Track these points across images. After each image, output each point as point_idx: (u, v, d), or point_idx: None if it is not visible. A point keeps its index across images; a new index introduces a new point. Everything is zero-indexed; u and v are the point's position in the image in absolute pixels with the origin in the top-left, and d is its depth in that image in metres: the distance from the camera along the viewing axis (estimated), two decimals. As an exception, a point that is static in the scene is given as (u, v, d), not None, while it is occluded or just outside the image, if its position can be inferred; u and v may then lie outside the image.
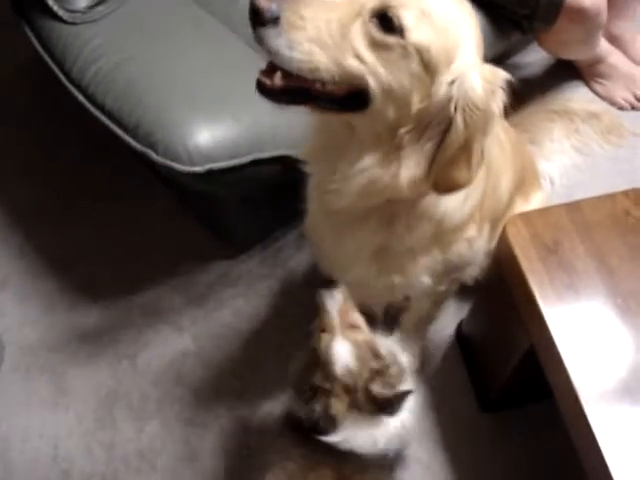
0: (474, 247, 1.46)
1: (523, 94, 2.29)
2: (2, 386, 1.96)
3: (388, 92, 1.08)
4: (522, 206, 1.72)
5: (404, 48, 1.04)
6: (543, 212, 1.54)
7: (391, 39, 1.04)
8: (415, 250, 1.37)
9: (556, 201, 1.74)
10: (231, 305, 2.06)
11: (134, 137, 1.60)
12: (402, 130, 1.12)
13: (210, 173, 1.57)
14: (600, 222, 1.49)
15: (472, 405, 1.89)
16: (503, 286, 1.54)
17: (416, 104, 1.09)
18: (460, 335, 1.97)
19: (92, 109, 1.65)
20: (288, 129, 1.66)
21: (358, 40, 1.05)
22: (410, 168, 1.14)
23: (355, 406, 1.32)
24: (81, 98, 1.67)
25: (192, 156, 1.55)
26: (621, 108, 2.41)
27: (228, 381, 1.94)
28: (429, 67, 1.06)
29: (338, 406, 1.30)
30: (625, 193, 1.54)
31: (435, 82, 1.08)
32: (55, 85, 1.75)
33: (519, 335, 1.54)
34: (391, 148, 1.14)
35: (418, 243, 1.35)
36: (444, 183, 1.16)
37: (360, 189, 1.18)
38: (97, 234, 2.19)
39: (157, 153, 1.56)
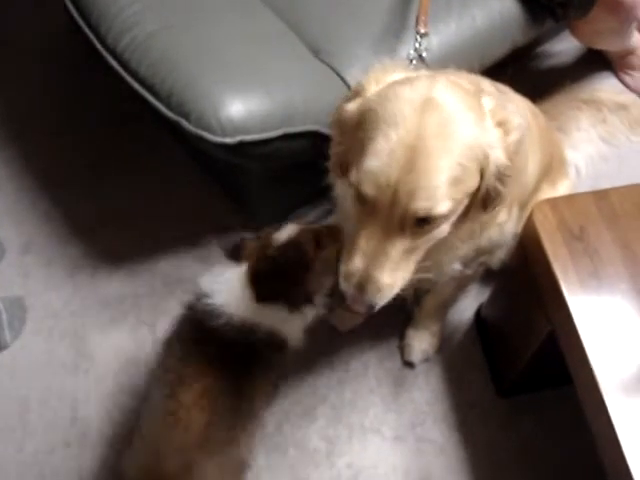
0: (504, 231, 1.47)
1: (552, 82, 2.29)
2: (23, 348, 1.98)
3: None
4: (549, 193, 1.72)
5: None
6: (570, 199, 1.54)
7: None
8: (454, 245, 1.39)
9: (582, 190, 1.74)
10: (252, 277, 2.07)
11: (167, 106, 1.60)
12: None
13: (241, 145, 1.58)
14: (627, 211, 1.49)
15: (488, 389, 1.90)
16: (526, 271, 1.55)
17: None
18: (479, 319, 1.98)
19: (126, 76, 1.66)
20: (318, 105, 1.67)
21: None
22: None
23: None
24: (115, 65, 1.68)
25: (224, 127, 1.56)
26: (650, 100, 2.40)
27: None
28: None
29: None
30: (653, 184, 1.54)
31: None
32: (87, 53, 1.76)
33: (540, 321, 1.55)
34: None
35: (458, 238, 1.37)
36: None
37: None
38: (122, 202, 2.20)
39: (189, 122, 1.57)
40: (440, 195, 1.11)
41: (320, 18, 1.84)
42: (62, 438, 1.86)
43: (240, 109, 1.58)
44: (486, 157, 1.14)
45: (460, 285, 1.76)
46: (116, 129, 2.33)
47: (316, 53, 1.78)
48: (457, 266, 1.49)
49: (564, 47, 2.49)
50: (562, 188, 1.81)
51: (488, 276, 1.89)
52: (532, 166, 1.56)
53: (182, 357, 1.52)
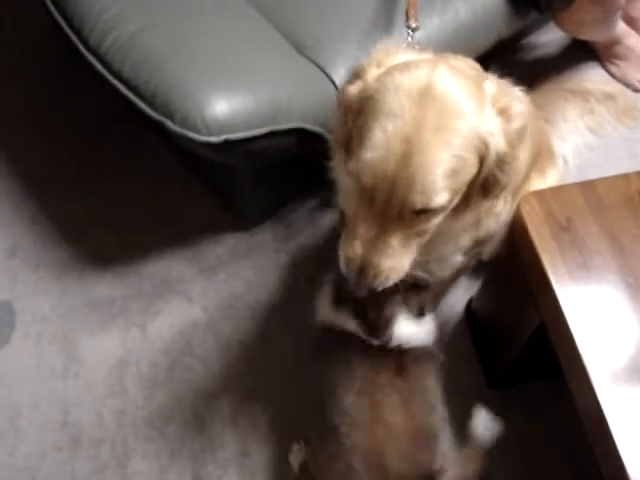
0: (500, 220, 1.47)
1: (538, 73, 2.29)
2: (13, 353, 1.98)
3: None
4: (538, 182, 1.71)
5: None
6: (557, 190, 1.54)
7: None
8: (458, 233, 1.40)
9: (569, 180, 1.74)
10: (241, 277, 2.07)
11: (151, 106, 1.59)
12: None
13: (226, 143, 1.57)
14: (614, 202, 1.49)
15: (479, 381, 1.91)
16: (515, 263, 1.55)
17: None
18: (470, 311, 1.98)
19: (109, 77, 1.64)
20: (303, 102, 1.66)
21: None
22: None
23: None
24: (99, 66, 1.66)
25: (209, 126, 1.55)
26: (636, 90, 2.40)
27: (237, 352, 1.95)
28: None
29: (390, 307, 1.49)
30: (639, 174, 1.54)
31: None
32: (69, 54, 1.75)
33: (529, 312, 1.55)
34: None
35: (462, 227, 1.37)
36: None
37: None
38: (108, 204, 2.19)
39: (174, 122, 1.56)
40: (437, 188, 1.11)
41: (304, 15, 1.83)
42: (53, 442, 1.85)
43: (224, 108, 1.57)
44: (486, 145, 1.13)
45: (453, 277, 1.76)
46: (100, 130, 2.32)
47: (300, 50, 1.77)
48: (459, 257, 1.50)
49: (549, 38, 2.48)
50: (551, 178, 1.81)
51: (478, 269, 1.89)
52: (524, 154, 1.56)
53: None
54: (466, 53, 1.44)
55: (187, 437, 1.85)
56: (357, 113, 1.18)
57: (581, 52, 2.46)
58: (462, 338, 1.97)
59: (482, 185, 1.21)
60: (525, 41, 2.48)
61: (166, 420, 1.87)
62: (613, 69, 2.42)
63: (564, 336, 1.37)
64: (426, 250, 1.35)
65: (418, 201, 1.11)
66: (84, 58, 1.70)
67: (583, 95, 2.25)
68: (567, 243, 1.44)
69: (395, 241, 1.17)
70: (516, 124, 1.16)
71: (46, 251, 2.12)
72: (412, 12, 1.53)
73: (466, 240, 1.44)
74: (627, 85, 2.40)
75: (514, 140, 1.16)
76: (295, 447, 1.78)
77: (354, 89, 1.20)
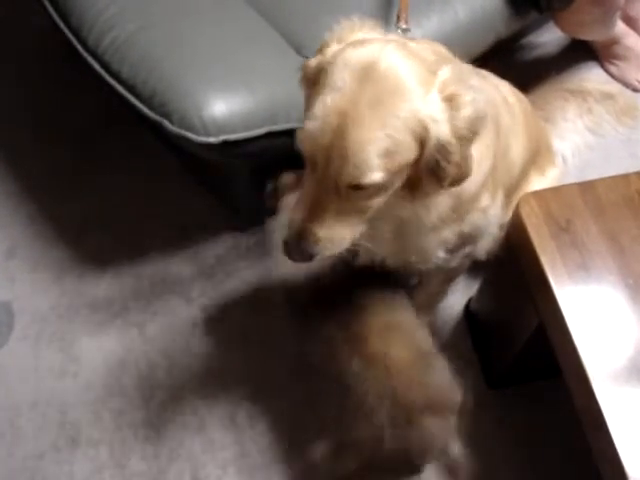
0: (488, 216, 1.46)
1: (538, 73, 2.29)
2: (12, 353, 1.97)
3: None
4: (538, 180, 1.71)
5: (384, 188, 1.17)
6: (556, 191, 1.54)
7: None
8: (435, 226, 1.38)
9: (568, 180, 1.74)
10: (240, 276, 2.07)
11: (149, 106, 1.59)
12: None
13: (225, 144, 1.57)
14: (613, 202, 1.49)
15: (479, 381, 1.90)
16: (514, 264, 1.54)
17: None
18: (468, 312, 1.98)
19: (108, 78, 1.65)
20: (302, 102, 1.66)
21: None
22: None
23: None
24: (97, 67, 1.67)
25: (207, 127, 1.55)
26: (635, 90, 2.39)
27: (236, 352, 1.94)
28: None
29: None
30: (639, 174, 1.54)
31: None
32: (67, 54, 1.75)
33: (528, 313, 1.54)
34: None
35: (439, 218, 1.35)
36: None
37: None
38: (106, 204, 2.19)
39: (172, 123, 1.56)
40: (369, 166, 1.10)
41: (302, 15, 1.83)
42: (52, 442, 1.85)
43: (223, 108, 1.57)
44: (426, 130, 1.12)
45: (447, 278, 1.76)
46: (99, 130, 2.32)
47: (299, 50, 1.77)
48: (441, 253, 1.47)
49: (549, 38, 2.48)
50: (551, 176, 1.81)
51: (476, 269, 1.89)
52: (516, 150, 1.55)
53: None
54: (464, 53, 1.45)
55: (186, 437, 1.85)
56: (313, 85, 1.19)
57: (580, 52, 2.45)
58: (461, 339, 1.97)
59: (431, 172, 1.19)
60: (524, 41, 2.48)
61: (165, 420, 1.86)
62: (612, 69, 2.42)
63: (563, 337, 1.37)
64: (400, 238, 1.38)
65: (350, 175, 1.12)
66: (82, 58, 1.70)
67: (582, 95, 2.25)
68: (566, 244, 1.44)
69: (331, 213, 1.18)
70: (465, 112, 1.12)
71: (44, 251, 2.12)
72: (403, 15, 1.54)
73: (448, 234, 1.42)
74: (626, 85, 2.40)
75: (462, 129, 1.13)
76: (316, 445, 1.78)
77: (313, 62, 1.22)
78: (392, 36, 1.25)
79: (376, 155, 1.10)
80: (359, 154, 1.09)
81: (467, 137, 1.14)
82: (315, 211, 1.18)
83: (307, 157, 1.16)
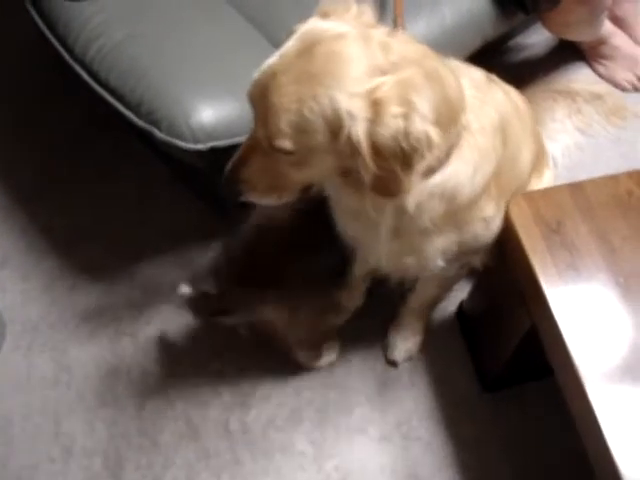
0: (491, 227, 1.46)
1: (526, 75, 2.29)
2: (3, 364, 1.96)
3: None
4: (536, 183, 1.69)
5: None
6: (546, 192, 1.54)
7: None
8: (429, 230, 1.37)
9: (558, 181, 1.74)
10: (232, 284, 2.06)
11: (137, 114, 1.59)
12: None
13: (213, 151, 1.57)
14: (603, 202, 1.49)
15: (472, 384, 1.90)
16: (505, 265, 1.54)
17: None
18: (461, 314, 1.98)
19: (95, 86, 1.64)
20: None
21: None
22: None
23: None
24: (84, 75, 1.67)
25: (195, 134, 1.55)
26: (623, 89, 2.40)
27: (230, 359, 1.94)
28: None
29: None
30: (628, 174, 1.54)
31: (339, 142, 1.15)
32: (55, 63, 1.75)
33: (520, 315, 1.54)
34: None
35: (432, 222, 1.34)
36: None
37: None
38: (97, 213, 2.19)
39: (160, 130, 1.56)
40: (279, 130, 1.14)
41: (290, 22, 1.80)
42: (46, 453, 1.84)
43: (211, 115, 1.57)
44: (340, 122, 1.12)
45: (444, 285, 1.76)
46: (88, 138, 2.32)
47: (287, 56, 1.77)
48: (440, 262, 1.47)
49: (536, 39, 2.49)
50: (547, 178, 1.79)
51: (468, 271, 1.88)
52: (526, 157, 1.54)
53: None
54: (452, 56, 1.45)
55: (180, 446, 1.84)
56: None
57: (568, 53, 2.46)
58: (454, 341, 1.97)
59: (349, 172, 1.21)
60: (512, 43, 2.48)
61: (159, 429, 1.86)
62: (600, 69, 2.43)
63: (555, 337, 1.37)
64: (396, 239, 1.39)
65: (265, 134, 1.17)
66: (70, 67, 1.70)
67: (571, 95, 2.25)
68: (557, 244, 1.44)
69: (257, 162, 1.24)
70: (389, 122, 1.09)
71: (35, 261, 2.11)
72: (399, 20, 1.54)
73: (446, 241, 1.42)
74: (615, 85, 2.41)
75: (383, 138, 1.10)
76: None
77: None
78: (378, 28, 1.22)
79: (286, 124, 1.13)
80: (273, 117, 1.14)
81: (392, 153, 1.12)
82: (246, 155, 1.25)
83: (250, 106, 1.22)
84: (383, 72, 1.12)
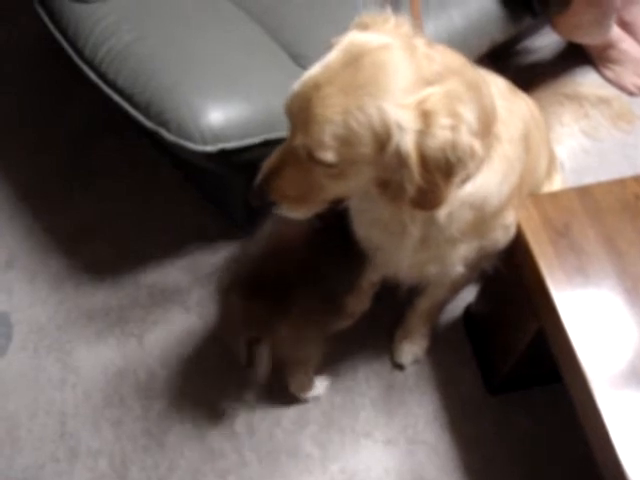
0: (510, 232, 1.47)
1: (533, 78, 2.29)
2: (10, 364, 1.97)
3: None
4: (547, 186, 1.69)
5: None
6: (554, 196, 1.54)
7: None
8: (455, 239, 1.37)
9: (565, 185, 1.74)
10: (238, 285, 2.06)
11: (146, 116, 1.60)
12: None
13: (222, 153, 1.58)
14: (610, 206, 1.49)
15: (478, 387, 1.90)
16: (513, 269, 1.55)
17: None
18: (468, 317, 1.97)
19: (104, 87, 1.65)
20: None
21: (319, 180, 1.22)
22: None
23: None
24: (93, 76, 1.67)
25: (204, 135, 1.56)
26: (631, 94, 2.40)
27: (235, 361, 1.93)
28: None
29: None
30: (636, 178, 1.54)
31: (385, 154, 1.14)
32: (61, 64, 1.75)
33: (528, 318, 1.54)
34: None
35: (459, 231, 1.34)
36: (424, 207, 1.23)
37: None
38: (103, 214, 2.19)
39: (169, 131, 1.56)
40: (321, 142, 1.13)
41: (299, 24, 1.83)
42: (51, 453, 1.84)
43: (220, 117, 1.57)
44: (388, 134, 1.11)
45: (453, 288, 1.76)
46: (96, 139, 2.32)
47: (295, 59, 1.78)
48: (460, 268, 1.48)
49: (544, 43, 2.49)
50: (557, 182, 1.79)
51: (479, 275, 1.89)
52: (544, 163, 1.56)
53: None
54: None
55: (186, 447, 1.84)
56: None
57: (576, 57, 2.46)
58: (461, 345, 1.96)
59: (391, 185, 1.19)
60: (520, 46, 2.48)
61: (165, 430, 1.86)
62: (608, 73, 2.43)
63: (562, 341, 1.37)
64: (421, 250, 1.39)
65: (306, 145, 1.15)
66: (79, 68, 1.71)
67: (578, 99, 2.25)
68: (564, 248, 1.44)
69: (291, 173, 1.22)
70: (438, 134, 1.09)
71: (42, 262, 2.12)
72: (418, 22, 1.53)
73: (469, 249, 1.42)
74: (622, 89, 2.41)
75: (431, 150, 1.10)
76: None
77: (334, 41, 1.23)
78: (418, 39, 1.20)
79: (330, 136, 1.12)
80: (316, 129, 1.12)
81: (438, 165, 1.12)
82: (279, 166, 1.23)
83: (287, 117, 1.20)
84: (429, 83, 1.12)
